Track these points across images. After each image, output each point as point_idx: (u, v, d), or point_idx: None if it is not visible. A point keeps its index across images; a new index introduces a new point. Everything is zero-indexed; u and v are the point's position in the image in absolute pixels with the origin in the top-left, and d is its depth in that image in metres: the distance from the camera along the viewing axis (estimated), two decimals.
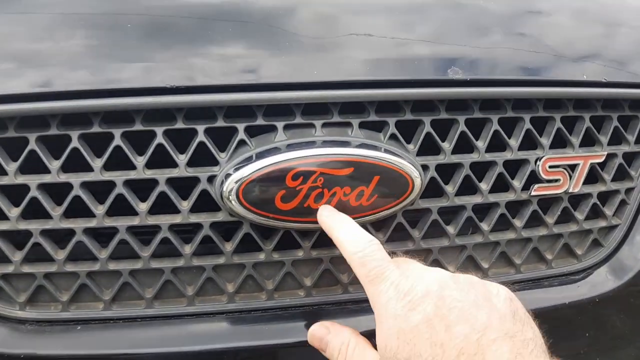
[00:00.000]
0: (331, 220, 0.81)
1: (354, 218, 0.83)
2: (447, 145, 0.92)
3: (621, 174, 1.05)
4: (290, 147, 0.85)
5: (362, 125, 0.89)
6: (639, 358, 1.08)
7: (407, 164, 0.87)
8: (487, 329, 0.62)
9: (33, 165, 0.83)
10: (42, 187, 0.84)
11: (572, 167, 0.98)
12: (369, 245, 0.74)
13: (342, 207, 0.85)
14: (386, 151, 0.87)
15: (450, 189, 0.93)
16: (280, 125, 0.86)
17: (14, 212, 0.83)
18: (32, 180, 0.83)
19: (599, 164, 1.01)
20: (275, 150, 0.84)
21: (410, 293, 0.67)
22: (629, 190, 1.06)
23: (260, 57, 0.86)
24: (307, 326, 0.88)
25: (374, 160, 0.86)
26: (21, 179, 0.83)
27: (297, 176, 0.83)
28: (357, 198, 0.86)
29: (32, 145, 0.82)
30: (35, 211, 0.84)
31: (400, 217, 0.92)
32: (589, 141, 1.02)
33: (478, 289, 0.68)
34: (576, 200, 1.03)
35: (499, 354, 0.60)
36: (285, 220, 0.85)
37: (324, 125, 0.88)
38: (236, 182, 0.82)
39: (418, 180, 0.88)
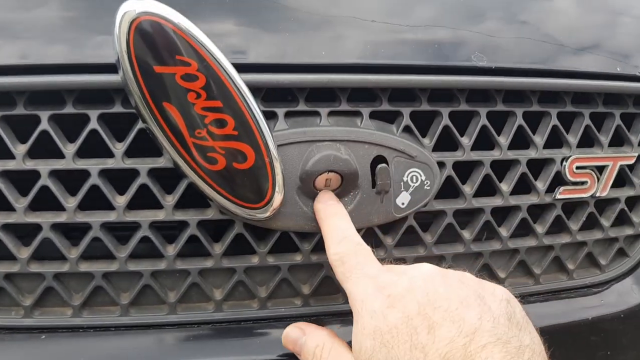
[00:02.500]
0: (324, 211, 0.74)
1: None
2: (466, 141, 0.82)
3: None
4: None
5: (373, 115, 0.79)
6: None
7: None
8: (476, 332, 0.53)
9: None
10: (5, 175, 0.73)
11: (600, 169, 0.89)
12: (354, 247, 0.67)
13: None
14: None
15: (468, 189, 0.83)
16: (281, 112, 0.76)
17: None
18: None
19: (628, 166, 0.92)
20: None
21: (389, 287, 0.59)
22: None
23: (258, 35, 0.76)
24: None
25: None
26: None
27: None
28: None
29: None
30: None
31: (412, 219, 0.82)
32: (617, 141, 0.92)
33: (470, 287, 0.59)
34: (601, 205, 0.93)
35: None
36: None
37: (331, 113, 0.78)
38: None
39: None
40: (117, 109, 0.73)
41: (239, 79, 0.67)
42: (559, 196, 0.87)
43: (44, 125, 0.72)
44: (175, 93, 0.65)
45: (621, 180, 0.94)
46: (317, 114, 0.78)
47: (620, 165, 0.90)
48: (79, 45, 0.72)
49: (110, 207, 0.74)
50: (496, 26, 0.84)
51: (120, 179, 0.75)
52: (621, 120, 0.91)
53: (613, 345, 0.92)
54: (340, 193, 0.77)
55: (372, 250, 0.68)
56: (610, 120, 0.91)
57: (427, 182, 0.80)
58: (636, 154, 0.92)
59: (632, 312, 0.92)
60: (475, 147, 0.83)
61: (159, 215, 0.75)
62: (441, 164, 0.81)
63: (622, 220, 0.96)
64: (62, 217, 0.73)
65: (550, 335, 0.87)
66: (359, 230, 0.79)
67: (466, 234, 0.85)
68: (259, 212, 0.73)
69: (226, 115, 0.67)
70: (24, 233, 0.77)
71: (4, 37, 0.72)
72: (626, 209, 0.94)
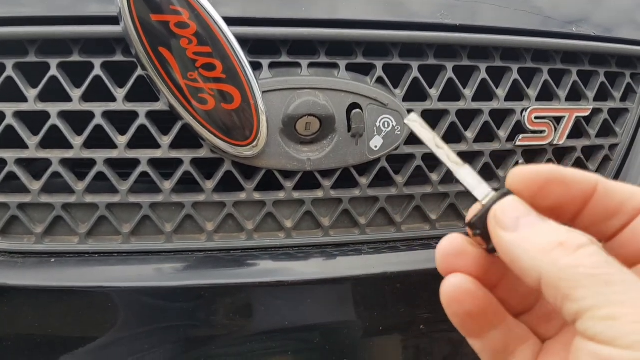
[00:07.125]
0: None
1: None
2: (434, 92, 0.91)
3: (606, 131, 1.05)
4: None
5: (349, 68, 0.88)
6: None
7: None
8: None
9: (10, 93, 0.80)
10: (18, 115, 0.82)
11: (558, 120, 0.98)
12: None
13: None
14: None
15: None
16: (265, 62, 0.85)
17: None
18: (8, 108, 0.81)
19: (584, 118, 1.01)
20: None
21: None
22: (612, 147, 1.05)
23: None
24: (286, 267, 0.87)
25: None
26: None
27: None
28: None
29: (9, 72, 0.80)
30: (10, 140, 0.81)
31: (384, 161, 0.90)
32: (575, 97, 1.01)
33: None
34: (560, 154, 1.02)
35: None
36: None
37: (310, 65, 0.86)
38: None
39: None
40: (119, 57, 0.81)
41: (224, 25, 0.75)
42: (518, 143, 0.96)
43: (53, 71, 0.81)
44: (169, 39, 0.74)
45: (579, 133, 1.02)
46: (298, 65, 0.86)
47: (577, 117, 0.99)
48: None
49: (112, 145, 0.83)
50: None
51: (121, 123, 0.84)
52: (578, 77, 1.00)
53: None
54: (319, 136, 0.86)
55: None
56: (568, 76, 0.99)
57: (397, 128, 0.89)
58: (591, 107, 1.00)
59: None
60: (442, 99, 0.92)
61: (157, 153, 0.84)
62: (411, 112, 0.89)
63: (580, 168, 1.04)
64: (69, 154, 0.82)
65: None
66: (335, 170, 0.88)
67: (434, 176, 0.94)
68: (246, 150, 0.82)
69: (215, 59, 0.75)
70: (35, 172, 0.86)
71: None
72: (582, 157, 1.02)
